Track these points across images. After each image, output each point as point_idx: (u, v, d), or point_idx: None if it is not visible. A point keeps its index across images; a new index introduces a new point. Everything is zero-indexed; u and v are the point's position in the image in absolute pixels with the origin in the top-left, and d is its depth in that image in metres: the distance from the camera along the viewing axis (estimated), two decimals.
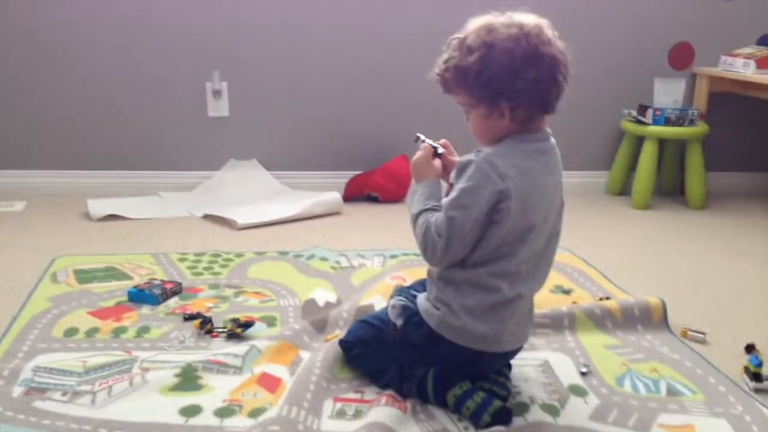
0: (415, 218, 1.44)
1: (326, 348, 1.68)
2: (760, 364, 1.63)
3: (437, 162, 1.55)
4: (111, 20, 3.04)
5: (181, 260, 2.33)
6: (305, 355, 1.69)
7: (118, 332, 1.80)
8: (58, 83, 3.07)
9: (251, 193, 3.07)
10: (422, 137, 1.61)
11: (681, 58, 3.44)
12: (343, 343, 1.62)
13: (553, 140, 1.42)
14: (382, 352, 1.56)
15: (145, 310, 1.94)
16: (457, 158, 1.58)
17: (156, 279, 2.10)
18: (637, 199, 3.23)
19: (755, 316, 2.06)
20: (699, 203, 3.26)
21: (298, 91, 3.22)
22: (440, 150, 1.56)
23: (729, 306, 2.14)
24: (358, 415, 1.45)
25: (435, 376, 1.48)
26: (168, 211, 2.89)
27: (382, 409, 1.44)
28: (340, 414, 1.46)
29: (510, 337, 1.47)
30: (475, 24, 1.37)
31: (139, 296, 1.98)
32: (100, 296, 2.02)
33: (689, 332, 1.88)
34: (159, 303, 1.97)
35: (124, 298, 2.00)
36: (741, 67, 3.21)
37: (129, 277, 2.17)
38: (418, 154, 1.56)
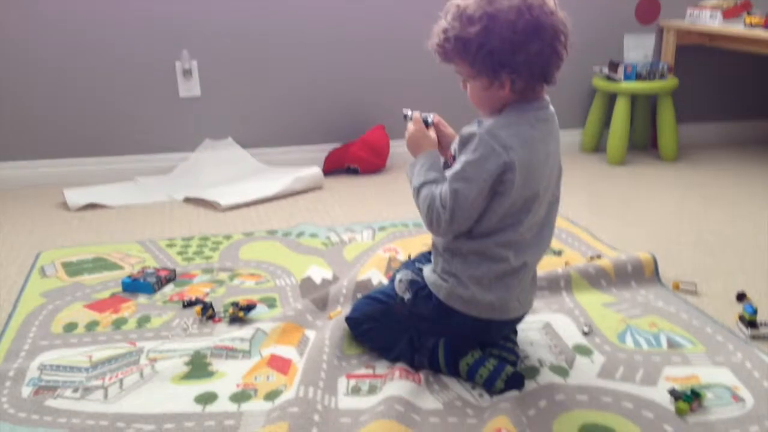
0: (418, 190, 1.44)
1: (332, 325, 1.68)
2: (754, 312, 1.68)
3: (431, 132, 1.55)
4: (75, 2, 2.94)
5: (170, 246, 2.31)
6: (311, 334, 1.70)
7: (118, 324, 1.78)
8: (22, 70, 2.98)
9: (230, 172, 3.04)
10: (409, 112, 1.60)
11: (647, 12, 3.47)
12: (351, 320, 1.63)
13: (551, 108, 1.43)
14: (391, 327, 1.57)
15: (142, 299, 1.92)
16: (450, 131, 1.59)
17: (148, 267, 2.08)
18: (613, 154, 3.27)
19: (741, 264, 2.12)
20: (672, 155, 3.32)
21: (270, 66, 3.17)
22: (430, 119, 1.56)
23: (714, 255, 2.19)
24: (373, 390, 1.47)
25: (446, 346, 1.51)
26: (147, 197, 2.85)
27: (397, 382, 1.46)
28: (355, 391, 1.47)
29: (517, 304, 1.49)
30: None
31: (134, 286, 1.96)
32: (94, 288, 1.99)
33: (681, 284, 1.93)
34: (155, 291, 1.96)
35: (119, 288, 1.98)
36: (708, 19, 3.25)
37: (119, 267, 2.14)
38: (411, 127, 1.55)
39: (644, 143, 3.52)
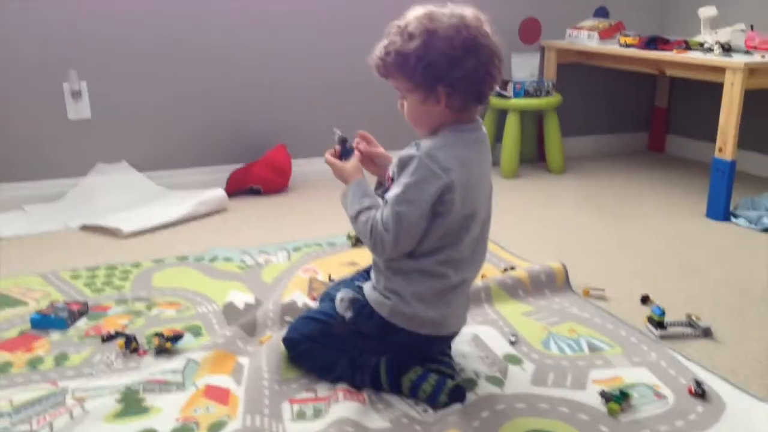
0: (355, 218, 1.46)
1: (266, 350, 1.67)
2: (662, 314, 1.82)
3: (353, 160, 1.57)
4: None
5: (75, 277, 2.19)
6: (244, 361, 1.67)
7: (34, 363, 1.68)
8: None
9: (128, 197, 2.93)
10: (338, 132, 1.62)
11: (530, 32, 3.66)
12: (288, 341, 1.62)
13: (484, 129, 1.49)
14: (330, 346, 1.57)
15: (55, 335, 1.82)
16: (380, 149, 1.62)
17: (57, 301, 1.97)
18: (506, 168, 3.43)
19: (639, 268, 2.28)
20: (559, 168, 3.51)
21: (163, 86, 3.09)
22: (347, 143, 1.59)
23: (613, 261, 2.34)
24: (318, 414, 1.47)
25: (387, 364, 1.52)
26: (39, 226, 2.69)
27: (342, 404, 1.47)
28: (301, 415, 1.47)
29: (455, 320, 1.54)
30: (416, 12, 1.40)
31: (45, 322, 1.86)
32: (0, 327, 1.86)
33: (590, 291, 2.05)
34: (68, 326, 1.86)
35: (27, 325, 1.86)
36: (586, 39, 3.47)
37: (23, 303, 2.01)
38: (335, 161, 1.56)
39: (532, 157, 3.70)
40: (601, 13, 3.73)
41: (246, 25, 3.14)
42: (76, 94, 2.97)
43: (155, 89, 3.08)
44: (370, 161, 1.61)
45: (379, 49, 1.42)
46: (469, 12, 1.39)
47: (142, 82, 3.05)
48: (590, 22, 3.58)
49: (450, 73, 1.36)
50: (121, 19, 2.97)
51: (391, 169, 1.48)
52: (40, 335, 1.82)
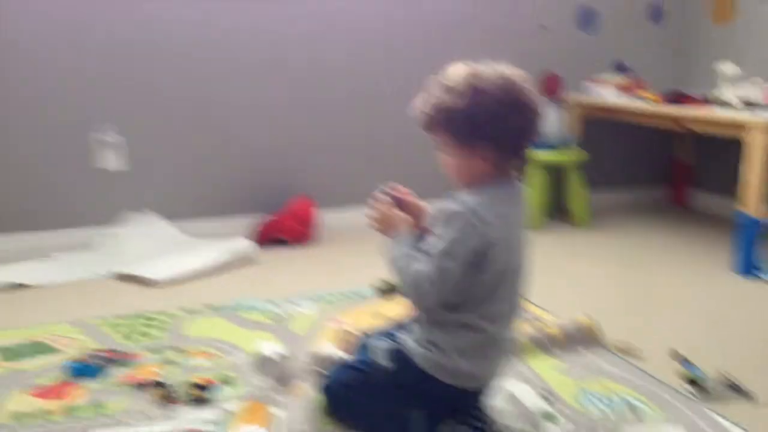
0: (401, 268, 1.47)
1: (299, 401, 1.67)
2: (696, 371, 1.81)
3: (399, 212, 1.59)
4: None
5: (106, 325, 2.22)
6: (277, 411, 1.68)
7: (72, 411, 1.69)
8: None
9: (156, 246, 2.96)
10: (386, 189, 1.64)
11: (551, 87, 3.72)
12: (327, 390, 1.62)
13: (521, 183, 1.52)
14: (368, 396, 1.57)
15: (91, 383, 1.83)
16: (420, 203, 1.64)
17: (91, 349, 1.99)
18: (532, 221, 3.44)
19: (667, 324, 2.28)
20: (584, 222, 3.53)
21: (190, 138, 3.16)
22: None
23: (643, 316, 2.34)
24: None
25: (422, 417, 1.51)
26: (69, 273, 2.73)
27: None
28: None
29: (493, 373, 1.54)
30: (461, 69, 1.44)
31: (81, 370, 1.87)
32: (35, 374, 1.88)
33: (622, 346, 2.05)
34: (103, 374, 1.88)
35: (62, 373, 1.88)
36: (606, 94, 3.53)
37: (58, 350, 2.03)
38: (381, 207, 1.58)
39: (556, 210, 3.71)
40: (621, 67, 3.79)
41: (270, 79, 3.22)
42: (109, 146, 3.04)
43: (183, 141, 3.15)
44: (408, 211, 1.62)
45: (423, 104, 1.46)
46: (512, 71, 1.43)
47: (170, 135, 3.12)
48: (609, 76, 3.63)
49: (494, 131, 1.40)
50: (152, 77, 3.05)
51: (430, 221, 1.50)
52: (75, 383, 1.84)
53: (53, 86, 2.94)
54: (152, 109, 3.09)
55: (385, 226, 1.57)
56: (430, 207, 1.61)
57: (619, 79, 3.61)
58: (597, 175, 3.79)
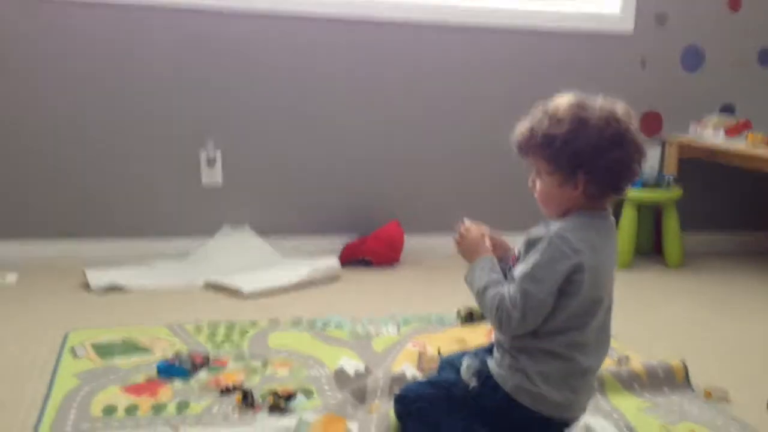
0: (483, 292, 1.47)
1: (375, 418, 1.69)
2: None
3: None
4: (106, 89, 3.03)
5: (197, 331, 2.31)
6: (353, 426, 1.70)
7: (158, 409, 1.77)
8: (48, 152, 3.03)
9: (248, 260, 3.06)
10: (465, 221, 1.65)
11: (650, 126, 3.64)
12: (400, 398, 1.60)
13: (612, 218, 1.50)
14: (444, 410, 1.55)
15: (178, 384, 1.91)
16: (503, 239, 1.63)
17: (181, 352, 2.08)
18: (620, 259, 3.35)
19: (762, 372, 2.17)
20: (677, 262, 3.42)
21: (291, 158, 3.26)
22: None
23: (735, 363, 2.24)
24: None
25: None
26: (166, 281, 2.85)
27: None
28: None
29: (578, 406, 1.52)
30: (567, 99, 1.45)
31: (170, 370, 1.96)
32: (128, 371, 1.98)
33: (712, 392, 1.96)
34: (190, 376, 1.95)
35: (153, 372, 1.97)
36: (711, 136, 3.42)
37: (149, 350, 2.13)
38: (471, 233, 1.59)
39: (648, 250, 3.61)
40: (727, 109, 3.67)
41: (367, 102, 3.29)
42: (211, 162, 3.17)
43: (281, 160, 3.25)
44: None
45: (524, 128, 1.47)
46: (619, 106, 1.43)
47: (270, 153, 3.23)
48: (716, 118, 3.53)
49: (594, 162, 1.39)
50: (255, 94, 3.17)
51: (518, 249, 1.50)
52: (164, 382, 1.92)
53: (168, 105, 3.10)
54: (259, 131, 3.20)
55: (470, 250, 1.57)
56: (511, 244, 1.60)
57: (725, 120, 3.49)
58: (694, 216, 3.66)
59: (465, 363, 1.56)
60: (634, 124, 1.42)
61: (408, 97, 3.33)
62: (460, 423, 1.53)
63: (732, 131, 3.37)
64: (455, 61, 3.35)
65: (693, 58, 3.64)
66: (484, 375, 1.52)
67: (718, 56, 3.64)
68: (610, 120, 1.39)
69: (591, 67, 3.44)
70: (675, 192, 3.40)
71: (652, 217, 3.60)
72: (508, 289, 1.43)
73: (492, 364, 1.53)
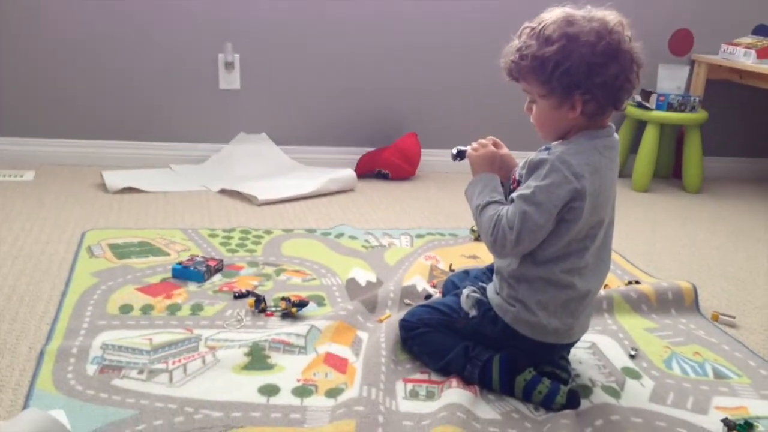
0: (482, 209, 1.46)
1: (384, 329, 1.71)
2: None
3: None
4: None
5: (212, 236, 2.33)
6: (363, 335, 1.73)
7: (172, 309, 1.81)
8: (69, 52, 3.00)
9: (264, 168, 3.06)
10: (455, 150, 1.63)
11: (681, 44, 3.52)
12: (405, 323, 1.64)
13: (616, 135, 1.47)
14: (446, 334, 1.59)
15: (192, 287, 1.95)
16: (506, 150, 1.60)
17: (197, 256, 2.10)
18: (638, 181, 3.33)
19: None
20: (696, 187, 3.38)
21: (310, 66, 3.20)
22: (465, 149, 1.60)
23: (746, 289, 2.24)
24: (430, 396, 1.50)
25: (501, 363, 1.52)
26: (182, 185, 2.87)
27: (455, 390, 1.49)
28: (414, 395, 1.50)
29: (579, 329, 1.53)
30: (553, 15, 1.38)
31: (185, 273, 1.99)
32: (143, 272, 2.01)
33: (720, 316, 1.98)
34: (204, 280, 1.98)
35: (168, 274, 2.00)
36: (741, 57, 3.31)
37: (165, 253, 2.16)
38: (487, 148, 1.56)
39: (667, 173, 3.57)
40: (762, 31, 3.54)
41: (392, 22, 3.20)
42: (229, 66, 3.13)
43: (301, 68, 3.20)
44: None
45: (511, 52, 1.41)
46: (610, 16, 1.36)
47: (289, 62, 3.18)
48: (748, 39, 3.40)
49: (589, 80, 1.34)
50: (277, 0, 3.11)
51: (518, 172, 1.47)
52: (179, 285, 1.95)
53: (187, 8, 3.03)
54: (280, 37, 3.14)
55: (479, 163, 1.55)
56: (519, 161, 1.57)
57: (757, 41, 3.37)
58: (717, 140, 3.59)
59: (465, 292, 1.56)
60: (629, 33, 1.36)
61: (429, 13, 3.22)
62: (461, 345, 1.55)
63: (763, 53, 3.26)
64: None
65: None
66: (483, 306, 1.53)
67: None
68: (602, 32, 1.33)
69: None
70: (700, 115, 3.33)
71: (673, 140, 3.54)
72: (507, 210, 1.41)
73: (491, 291, 1.53)
